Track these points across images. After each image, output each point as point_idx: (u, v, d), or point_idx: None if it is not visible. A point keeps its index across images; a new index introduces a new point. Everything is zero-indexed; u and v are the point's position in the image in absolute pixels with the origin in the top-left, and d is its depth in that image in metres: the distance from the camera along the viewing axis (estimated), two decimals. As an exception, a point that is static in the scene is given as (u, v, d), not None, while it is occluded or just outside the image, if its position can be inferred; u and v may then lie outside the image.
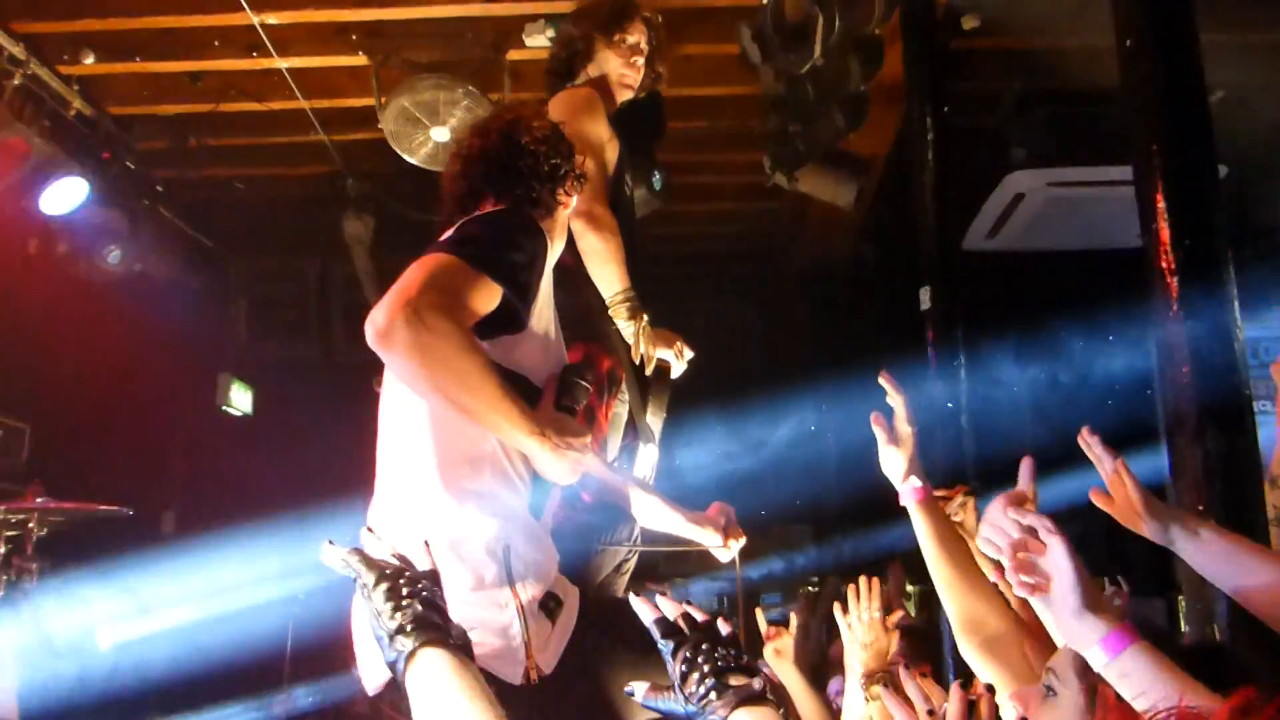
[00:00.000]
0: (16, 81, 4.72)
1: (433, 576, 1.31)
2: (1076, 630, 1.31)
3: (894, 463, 1.94)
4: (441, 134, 4.82)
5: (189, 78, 5.23)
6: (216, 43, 4.92)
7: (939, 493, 2.09)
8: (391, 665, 1.19)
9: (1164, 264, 1.77)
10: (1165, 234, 1.79)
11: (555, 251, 2.03)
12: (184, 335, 6.24)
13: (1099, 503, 1.61)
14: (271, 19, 4.56)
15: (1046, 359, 6.34)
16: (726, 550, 2.24)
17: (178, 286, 6.43)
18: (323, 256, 6.70)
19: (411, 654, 1.17)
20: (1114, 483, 1.59)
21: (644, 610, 1.37)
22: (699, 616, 1.34)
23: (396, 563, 1.30)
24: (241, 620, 4.89)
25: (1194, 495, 2.02)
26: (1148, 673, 1.25)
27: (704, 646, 1.27)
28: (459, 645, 1.21)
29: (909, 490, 1.92)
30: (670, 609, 1.36)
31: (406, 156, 5.02)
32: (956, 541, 1.89)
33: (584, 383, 1.87)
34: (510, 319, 1.77)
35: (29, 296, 5.37)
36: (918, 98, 4.31)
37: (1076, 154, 5.01)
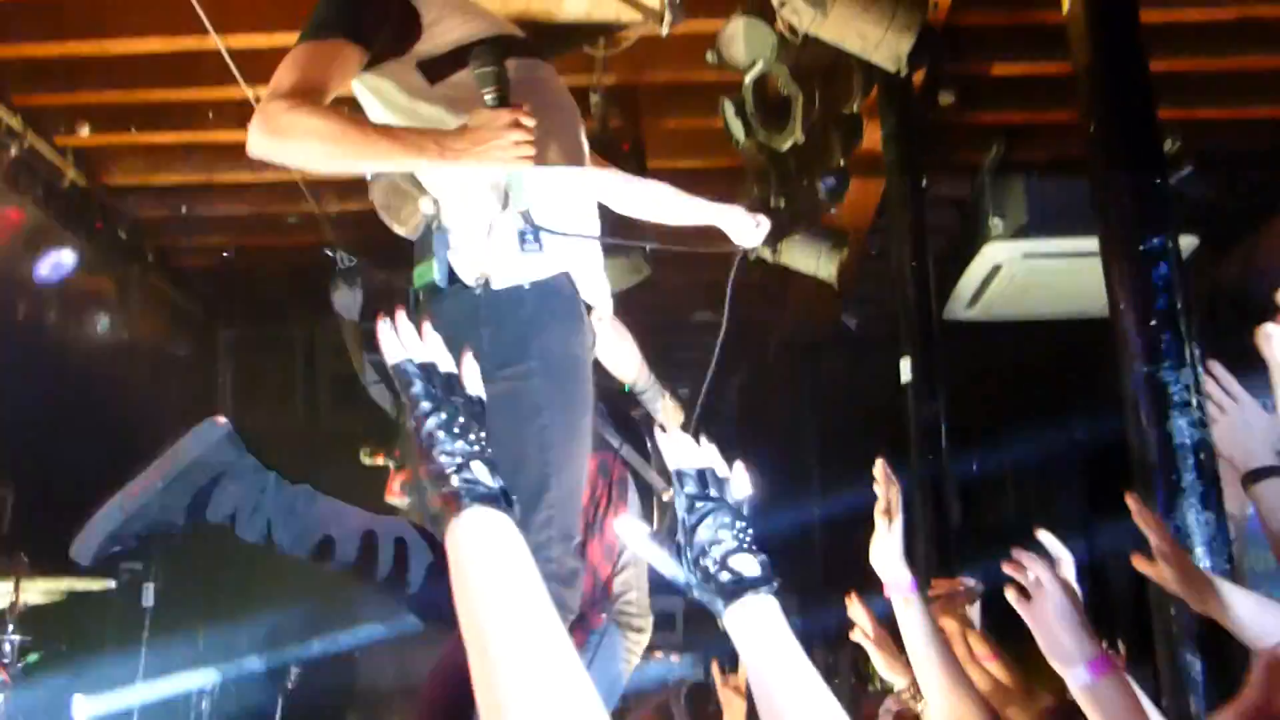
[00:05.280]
0: (13, 153, 4.80)
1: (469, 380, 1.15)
2: (1067, 645, 1.36)
3: (885, 554, 1.92)
4: (429, 206, 4.89)
5: (183, 149, 5.33)
6: (211, 114, 5.01)
7: (935, 590, 2.10)
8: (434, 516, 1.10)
9: (1131, 347, 1.84)
10: (1129, 317, 1.86)
11: None
12: (170, 403, 6.25)
13: (1141, 567, 1.64)
14: (266, 91, 4.65)
15: (1028, 427, 6.41)
16: (755, 231, 2.35)
17: (165, 354, 6.46)
18: (310, 326, 6.75)
19: (458, 509, 1.03)
20: (1161, 551, 1.62)
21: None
22: (722, 474, 1.24)
23: (440, 369, 1.13)
24: (227, 696, 4.84)
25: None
26: (1121, 703, 1.31)
27: (726, 517, 1.19)
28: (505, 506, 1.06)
29: (897, 584, 1.90)
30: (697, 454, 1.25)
31: (396, 228, 5.08)
32: (942, 639, 1.88)
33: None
34: (390, 45, 1.90)
35: (15, 362, 5.38)
36: (897, 171, 4.42)
37: (1051, 224, 5.12)
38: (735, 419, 9.21)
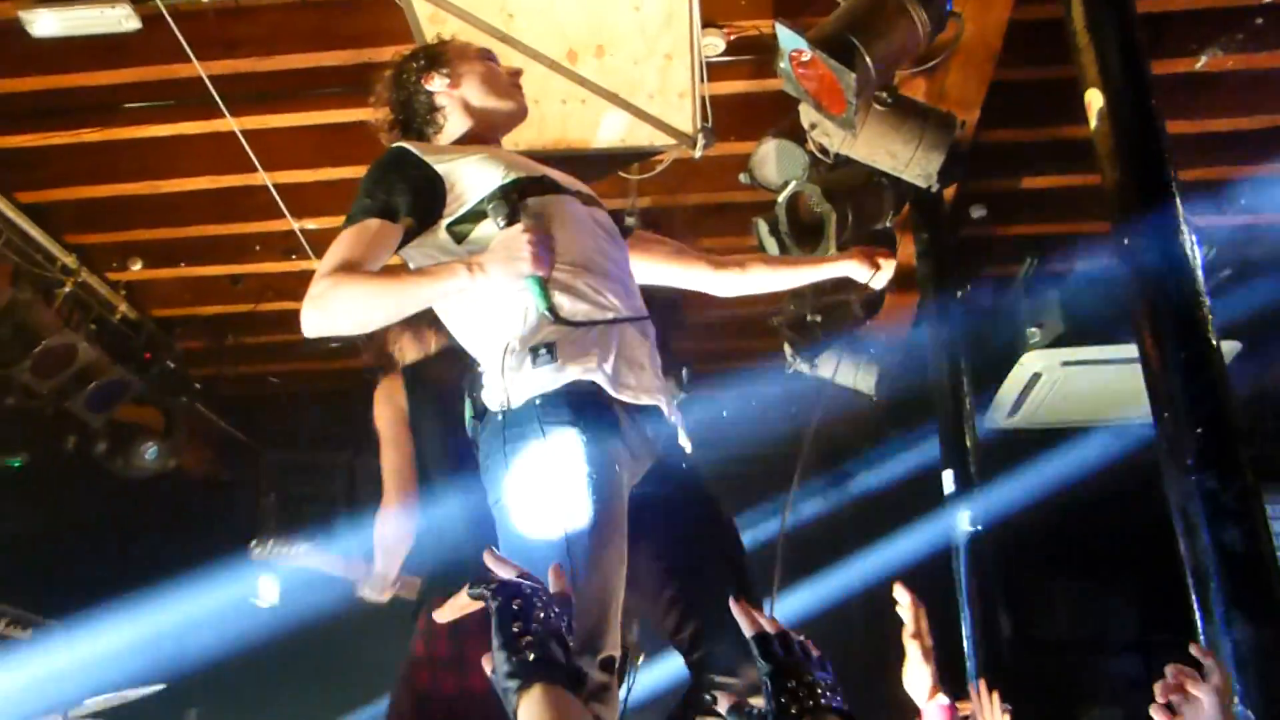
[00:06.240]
0: (67, 289, 4.97)
1: (562, 601, 1.26)
2: None
3: (918, 679, 1.90)
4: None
5: (229, 280, 5.50)
6: (257, 247, 5.19)
7: (963, 709, 2.04)
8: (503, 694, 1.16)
9: (1179, 457, 1.82)
10: (1175, 424, 1.85)
11: (486, 98, 2.30)
12: (216, 529, 6.28)
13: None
14: (310, 224, 4.80)
15: (1076, 536, 6.28)
16: (879, 273, 2.36)
17: (211, 481, 6.52)
18: (352, 449, 6.81)
19: (521, 689, 1.13)
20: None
21: (745, 622, 1.33)
22: (800, 641, 1.28)
23: (524, 587, 1.22)
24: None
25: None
26: None
27: (808, 680, 1.21)
28: (570, 681, 1.15)
29: (935, 710, 1.86)
30: (769, 625, 1.31)
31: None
32: None
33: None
34: (422, 218, 2.02)
35: (66, 493, 5.47)
36: (931, 285, 4.45)
37: (1089, 332, 5.11)
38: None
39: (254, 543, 3.48)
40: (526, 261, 1.92)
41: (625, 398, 1.94)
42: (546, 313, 1.94)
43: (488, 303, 2.01)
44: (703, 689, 1.84)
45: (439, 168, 2.07)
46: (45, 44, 3.71)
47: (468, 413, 2.03)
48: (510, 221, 1.97)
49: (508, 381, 1.92)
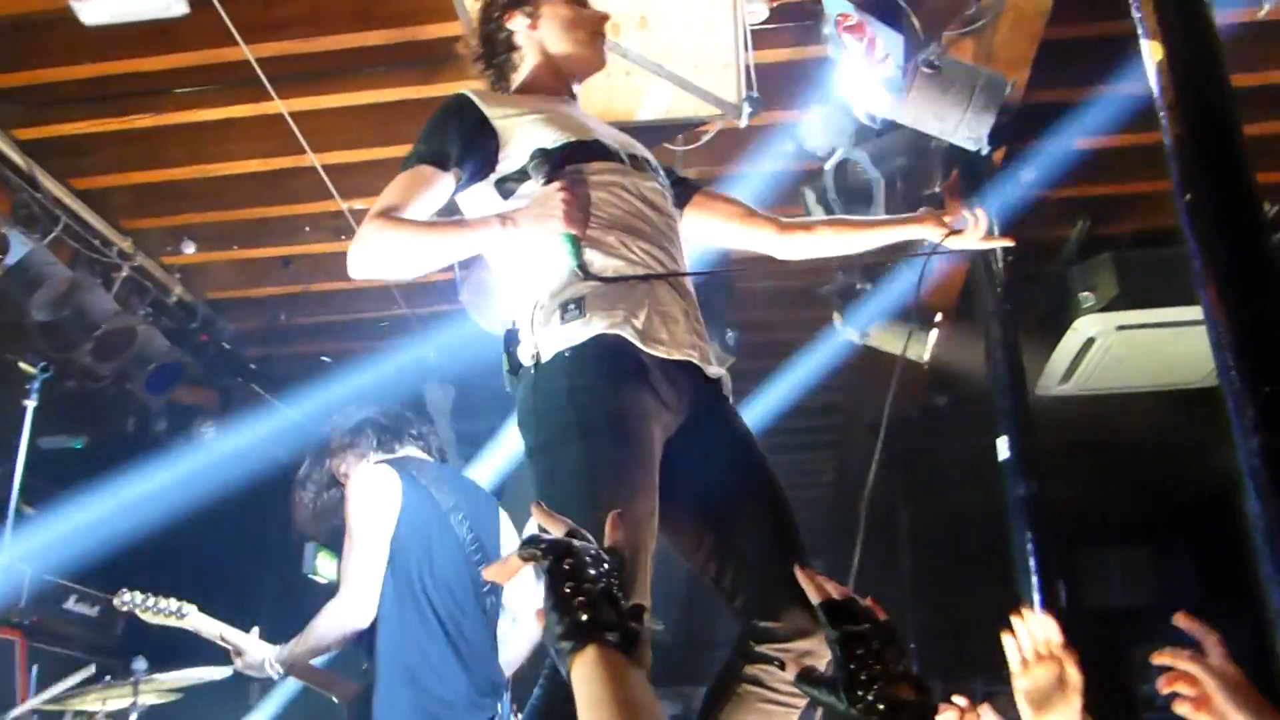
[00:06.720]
0: (125, 273, 5.06)
1: (615, 553, 1.23)
2: None
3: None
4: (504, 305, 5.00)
5: (281, 262, 5.57)
6: (307, 229, 5.24)
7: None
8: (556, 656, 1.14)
9: (1246, 416, 1.79)
10: (1241, 386, 1.81)
11: (562, 44, 2.30)
12: (271, 506, 6.39)
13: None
14: (359, 204, 4.84)
15: (1132, 504, 6.22)
16: (956, 234, 2.31)
17: (266, 459, 6.62)
18: (404, 425, 6.89)
19: (574, 651, 1.11)
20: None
21: (810, 589, 1.32)
22: (867, 606, 1.26)
23: (575, 545, 1.19)
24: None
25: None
26: None
27: (877, 646, 1.20)
28: (624, 642, 1.12)
29: None
30: (835, 591, 1.29)
31: (484, 326, 5.21)
32: None
33: None
34: (472, 170, 2.07)
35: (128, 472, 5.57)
36: (980, 250, 4.39)
37: (1144, 296, 5.04)
38: (828, 505, 9.11)
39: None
40: (559, 219, 1.95)
41: (657, 352, 1.94)
42: (577, 269, 1.97)
43: (523, 259, 2.06)
44: (748, 637, 1.86)
45: (496, 122, 2.09)
46: (96, 32, 3.75)
47: (504, 368, 2.07)
48: (549, 181, 2.01)
49: (538, 336, 1.96)
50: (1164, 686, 1.49)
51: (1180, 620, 1.57)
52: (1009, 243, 2.53)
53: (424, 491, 3.17)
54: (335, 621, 2.96)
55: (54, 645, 5.06)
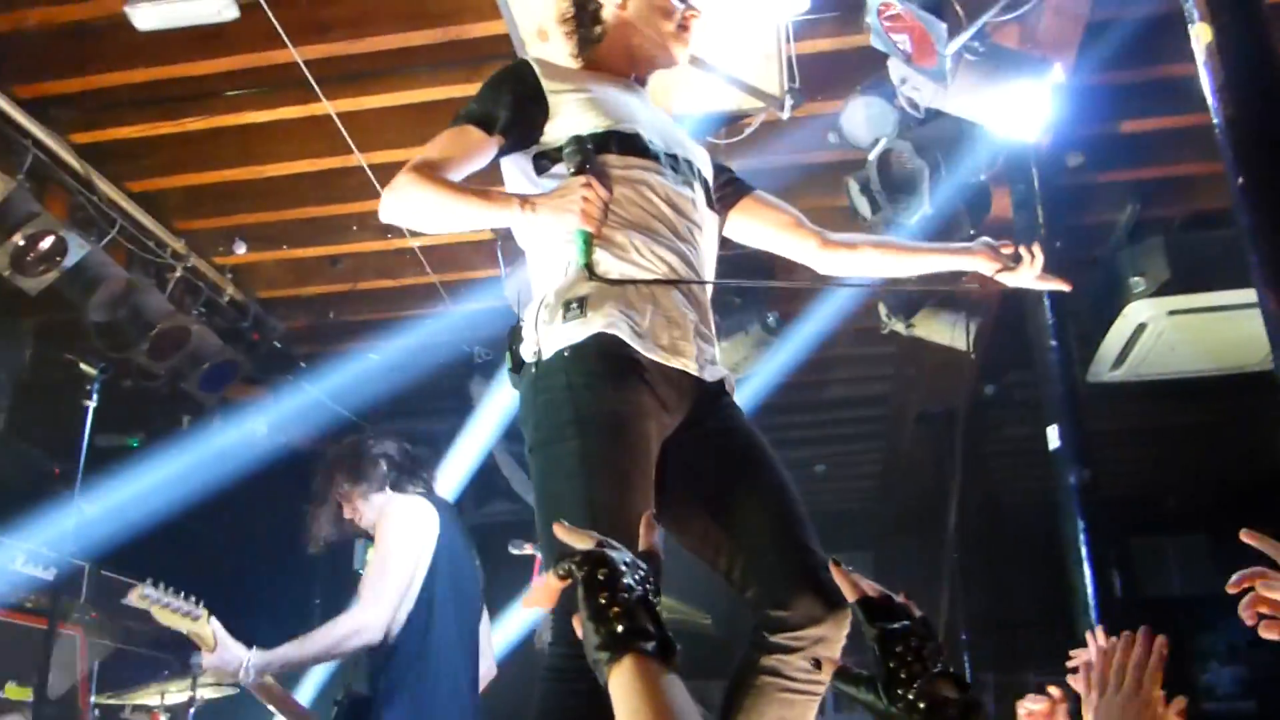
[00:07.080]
0: (178, 273, 5.16)
1: (649, 557, 1.24)
2: None
3: None
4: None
5: (329, 261, 5.65)
6: (355, 228, 5.31)
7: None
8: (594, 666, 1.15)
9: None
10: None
11: (644, 31, 2.27)
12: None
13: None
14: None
15: (1187, 490, 6.14)
16: (1009, 270, 2.24)
17: (317, 456, 6.71)
18: (451, 421, 6.95)
19: (612, 662, 1.11)
20: None
21: (846, 588, 1.32)
22: (904, 604, 1.25)
23: (607, 555, 1.19)
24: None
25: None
26: None
27: (916, 643, 1.19)
28: (661, 651, 1.13)
29: None
30: (872, 590, 1.29)
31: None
32: None
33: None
34: (517, 137, 2.08)
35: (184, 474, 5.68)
36: (1027, 237, 4.35)
37: (1196, 279, 4.96)
38: (874, 495, 9.07)
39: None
40: (575, 214, 1.95)
41: (655, 356, 1.95)
42: (584, 267, 1.97)
43: (541, 248, 2.09)
44: (762, 628, 1.87)
45: (551, 96, 2.11)
46: (149, 37, 3.83)
47: (506, 364, 2.08)
48: (578, 171, 2.00)
49: (540, 334, 1.97)
50: (1246, 612, 1.46)
51: (1246, 536, 1.56)
52: (1065, 286, 2.39)
53: (456, 529, 3.24)
54: (349, 632, 2.97)
55: (114, 640, 5.18)
